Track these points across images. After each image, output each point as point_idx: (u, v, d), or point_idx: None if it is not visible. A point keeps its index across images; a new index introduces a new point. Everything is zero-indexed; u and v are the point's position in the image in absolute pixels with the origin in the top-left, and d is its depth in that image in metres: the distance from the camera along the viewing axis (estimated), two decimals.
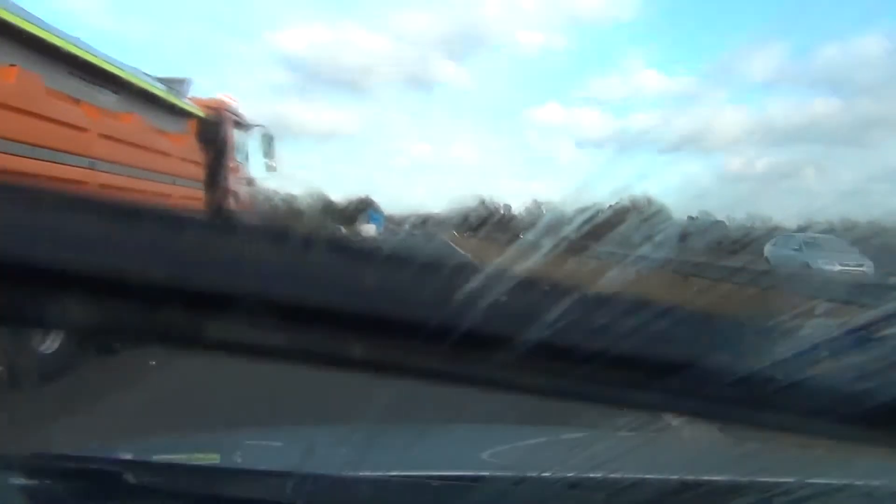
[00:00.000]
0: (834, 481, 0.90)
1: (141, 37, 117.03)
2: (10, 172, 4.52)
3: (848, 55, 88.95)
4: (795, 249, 17.49)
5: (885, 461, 1.32)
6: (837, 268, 14.98)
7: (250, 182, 10.82)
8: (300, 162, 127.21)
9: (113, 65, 6.26)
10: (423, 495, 0.91)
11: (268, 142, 11.01)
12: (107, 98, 6.22)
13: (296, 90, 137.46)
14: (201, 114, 8.39)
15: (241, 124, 10.37)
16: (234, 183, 9.68)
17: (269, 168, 11.12)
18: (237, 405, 4.18)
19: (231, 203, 9.45)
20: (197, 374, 4.66)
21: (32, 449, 1.10)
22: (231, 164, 9.60)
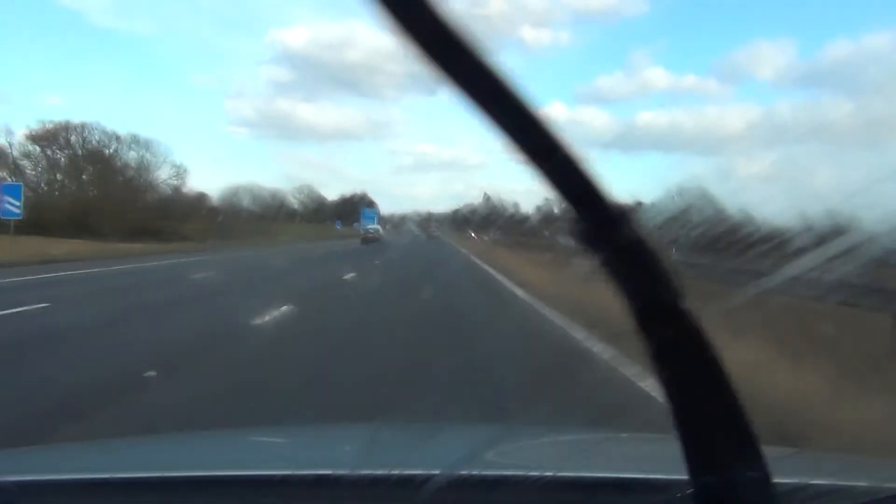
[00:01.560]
0: (835, 482, 0.90)
1: (142, 36, 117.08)
2: None
3: (858, 54, 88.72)
4: None
5: (886, 461, 1.32)
6: None
7: None
8: (303, 160, 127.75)
9: None
10: (425, 494, 0.91)
11: None
12: None
13: (298, 88, 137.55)
14: None
15: None
16: None
17: None
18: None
19: None
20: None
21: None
22: None
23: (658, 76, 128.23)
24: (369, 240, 42.53)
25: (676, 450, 0.58)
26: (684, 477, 0.83)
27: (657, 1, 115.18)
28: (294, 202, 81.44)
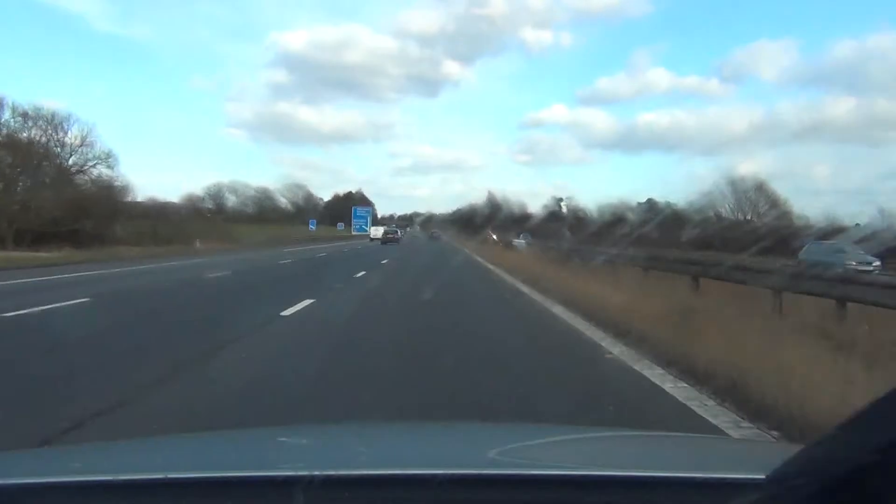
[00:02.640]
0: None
1: (141, 39, 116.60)
2: None
3: (862, 52, 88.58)
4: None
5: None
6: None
7: None
8: (302, 163, 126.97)
9: None
10: (428, 492, 0.91)
11: None
12: None
13: (298, 90, 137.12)
14: None
15: None
16: None
17: None
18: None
19: None
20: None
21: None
22: None
23: (660, 77, 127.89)
24: (389, 240, 50.29)
25: (687, 448, 0.58)
26: (692, 475, 0.83)
27: (659, 1, 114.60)
28: (284, 201, 79.30)
